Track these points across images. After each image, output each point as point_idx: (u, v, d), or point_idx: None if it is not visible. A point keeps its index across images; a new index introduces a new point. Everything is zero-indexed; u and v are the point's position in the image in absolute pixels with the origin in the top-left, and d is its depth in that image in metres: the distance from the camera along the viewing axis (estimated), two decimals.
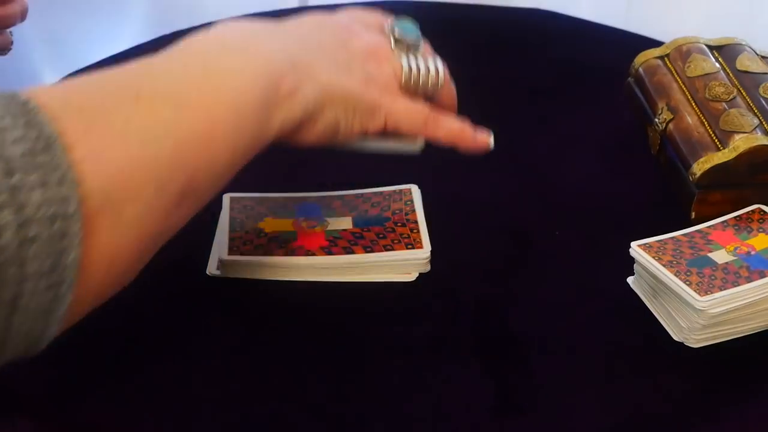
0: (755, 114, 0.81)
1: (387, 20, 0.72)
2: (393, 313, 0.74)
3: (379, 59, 0.69)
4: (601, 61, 1.00)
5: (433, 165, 0.88)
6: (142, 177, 0.52)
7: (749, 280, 0.70)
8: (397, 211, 0.79)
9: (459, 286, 0.76)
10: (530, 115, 0.95)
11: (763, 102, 0.82)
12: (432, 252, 0.76)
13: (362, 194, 0.81)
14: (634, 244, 0.74)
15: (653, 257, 0.73)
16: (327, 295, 0.75)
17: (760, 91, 0.83)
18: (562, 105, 0.96)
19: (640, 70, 0.90)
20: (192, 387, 0.68)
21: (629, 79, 0.92)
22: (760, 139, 0.79)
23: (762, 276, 0.71)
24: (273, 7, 1.10)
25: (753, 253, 0.73)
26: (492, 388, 0.68)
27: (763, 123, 0.80)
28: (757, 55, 0.88)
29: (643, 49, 0.91)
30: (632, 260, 0.75)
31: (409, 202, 0.80)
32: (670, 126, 0.84)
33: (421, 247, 0.75)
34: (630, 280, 0.76)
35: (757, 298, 0.70)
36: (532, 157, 0.89)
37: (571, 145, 0.91)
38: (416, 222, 0.78)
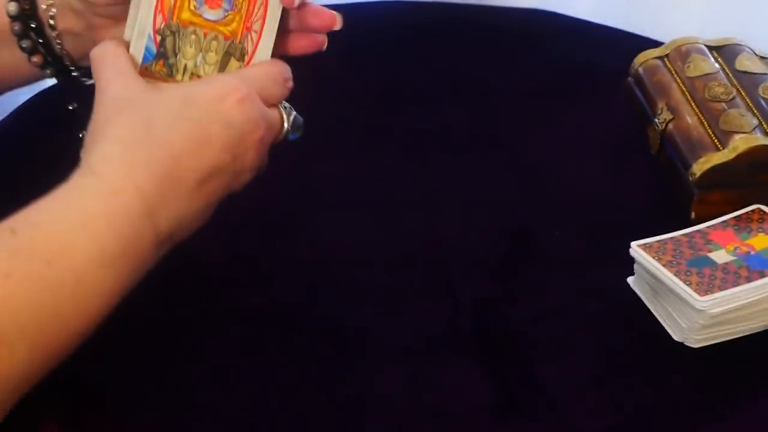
0: (754, 114, 0.81)
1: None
2: (392, 312, 0.74)
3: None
4: (601, 62, 1.00)
5: (434, 164, 0.88)
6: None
7: (749, 280, 0.70)
8: None
9: (459, 286, 0.76)
10: (530, 115, 0.95)
11: (763, 102, 0.82)
12: (433, 252, 0.76)
13: None
14: (634, 244, 0.74)
15: (653, 257, 0.72)
16: (326, 295, 0.75)
17: (760, 91, 0.83)
18: (562, 105, 0.96)
19: (640, 70, 0.90)
20: (190, 387, 0.68)
21: (629, 79, 0.92)
22: (759, 140, 0.78)
23: (762, 276, 0.71)
24: None
25: (753, 253, 0.73)
26: (492, 388, 0.68)
27: (763, 123, 0.80)
28: (757, 55, 0.88)
29: (643, 50, 0.91)
30: (632, 260, 0.74)
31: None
32: (670, 126, 0.84)
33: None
34: (630, 280, 0.76)
35: (757, 297, 0.70)
36: (531, 157, 0.89)
37: (571, 146, 0.91)
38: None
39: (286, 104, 0.68)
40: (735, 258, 0.73)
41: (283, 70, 0.67)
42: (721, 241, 0.75)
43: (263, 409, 0.67)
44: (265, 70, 0.67)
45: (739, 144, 0.78)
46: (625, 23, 1.07)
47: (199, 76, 0.67)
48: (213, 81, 0.66)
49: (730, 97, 0.83)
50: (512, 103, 0.96)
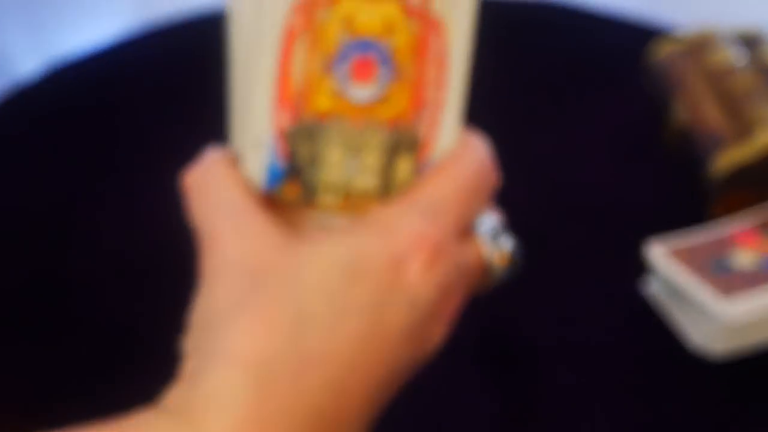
0: None
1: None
2: None
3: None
4: (616, 53, 0.99)
5: None
6: None
7: None
8: None
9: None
10: (539, 110, 0.93)
11: None
12: None
13: None
14: (650, 246, 0.72)
15: (671, 259, 0.70)
16: None
17: None
18: (573, 99, 0.94)
19: (658, 61, 0.88)
20: None
21: (645, 71, 0.90)
22: None
23: None
24: None
25: None
26: (499, 398, 0.67)
27: None
28: None
29: (660, 39, 0.89)
30: (648, 262, 0.73)
31: None
32: (689, 120, 0.82)
33: None
34: (646, 283, 0.74)
35: None
36: (541, 155, 0.88)
37: (581, 142, 0.89)
38: None
39: (492, 221, 0.46)
40: (759, 260, 0.71)
41: (484, 161, 0.44)
42: (744, 242, 0.73)
43: None
44: (459, 180, 0.43)
45: (763, 139, 0.76)
46: (640, 12, 1.06)
47: (350, 196, 0.43)
48: (383, 230, 0.41)
49: (754, 89, 0.81)
50: (520, 99, 0.96)
